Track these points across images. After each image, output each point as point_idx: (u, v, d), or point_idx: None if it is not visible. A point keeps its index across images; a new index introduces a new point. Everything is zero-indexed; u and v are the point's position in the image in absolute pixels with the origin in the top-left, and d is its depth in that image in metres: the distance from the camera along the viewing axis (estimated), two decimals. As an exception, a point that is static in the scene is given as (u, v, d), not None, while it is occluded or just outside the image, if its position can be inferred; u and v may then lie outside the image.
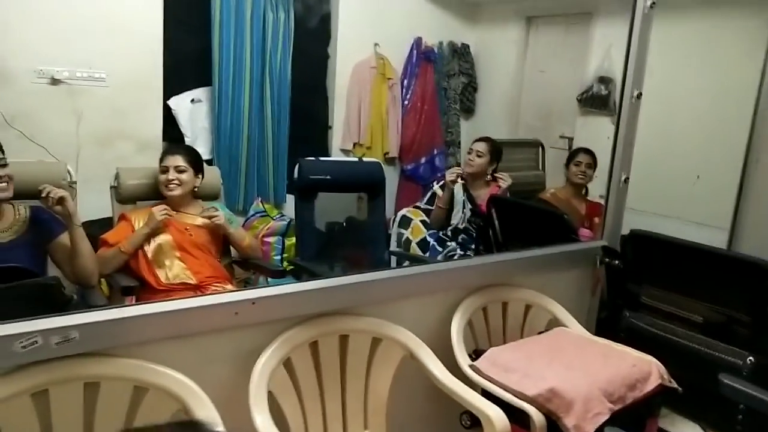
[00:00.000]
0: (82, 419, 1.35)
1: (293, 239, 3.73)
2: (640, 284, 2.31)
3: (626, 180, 2.35)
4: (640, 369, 1.78)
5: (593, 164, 3.33)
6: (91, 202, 2.65)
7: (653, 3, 2.17)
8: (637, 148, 2.36)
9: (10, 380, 1.26)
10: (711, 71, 3.58)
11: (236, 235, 2.63)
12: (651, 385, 1.76)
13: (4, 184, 1.94)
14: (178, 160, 2.51)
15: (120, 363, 1.38)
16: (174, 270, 2.41)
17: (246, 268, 2.81)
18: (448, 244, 3.18)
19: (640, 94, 2.28)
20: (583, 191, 3.40)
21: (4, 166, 1.94)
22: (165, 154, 2.56)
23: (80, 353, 1.34)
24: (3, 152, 1.98)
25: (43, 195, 2.00)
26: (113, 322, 1.38)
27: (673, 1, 2.83)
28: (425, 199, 3.45)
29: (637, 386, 1.73)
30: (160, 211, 2.38)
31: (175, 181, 2.49)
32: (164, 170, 2.51)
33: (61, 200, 1.99)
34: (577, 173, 3.32)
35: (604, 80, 4.14)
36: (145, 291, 2.36)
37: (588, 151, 3.38)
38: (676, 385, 1.80)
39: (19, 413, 1.27)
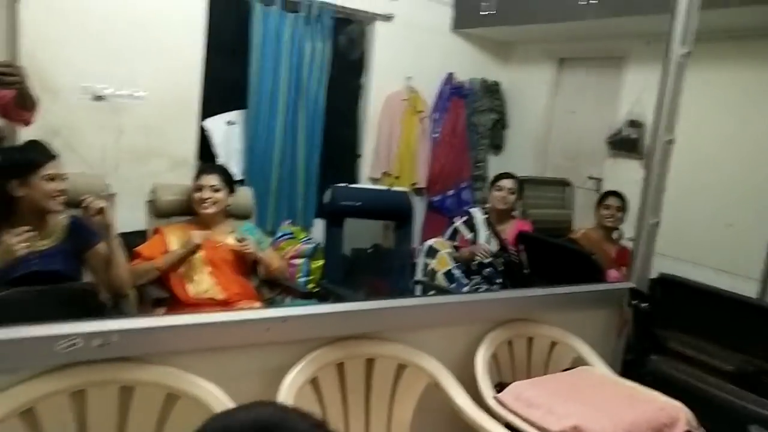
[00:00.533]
0: (116, 422, 1.37)
1: (319, 262, 3.76)
2: (667, 329, 2.28)
3: (656, 224, 2.34)
4: (668, 414, 1.75)
5: (623, 207, 3.33)
6: (125, 215, 2.72)
7: (688, 52, 2.20)
8: (667, 192, 2.36)
9: (50, 378, 1.30)
10: (745, 120, 3.59)
11: (266, 259, 2.64)
12: (678, 431, 1.73)
13: (61, 198, 2.00)
14: (213, 180, 2.56)
15: (155, 370, 1.41)
16: (203, 285, 2.45)
17: (273, 288, 2.84)
18: (473, 277, 3.19)
19: (672, 140, 2.29)
20: (614, 235, 3.39)
21: (65, 180, 2.01)
22: (200, 172, 2.62)
23: (118, 357, 1.38)
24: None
25: (84, 205, 2.07)
26: (152, 330, 1.42)
27: (707, 50, 2.86)
28: (447, 235, 3.46)
29: (663, 431, 1.71)
30: (199, 233, 2.42)
31: (210, 200, 2.55)
32: (199, 188, 2.56)
33: (101, 211, 2.06)
34: (607, 216, 3.33)
35: (634, 124, 4.16)
36: (173, 303, 2.40)
37: (618, 194, 3.38)
38: (703, 433, 1.77)
39: (57, 411, 1.31)
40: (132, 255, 2.41)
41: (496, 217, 3.33)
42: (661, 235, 2.37)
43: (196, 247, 2.41)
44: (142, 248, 2.47)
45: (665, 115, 2.26)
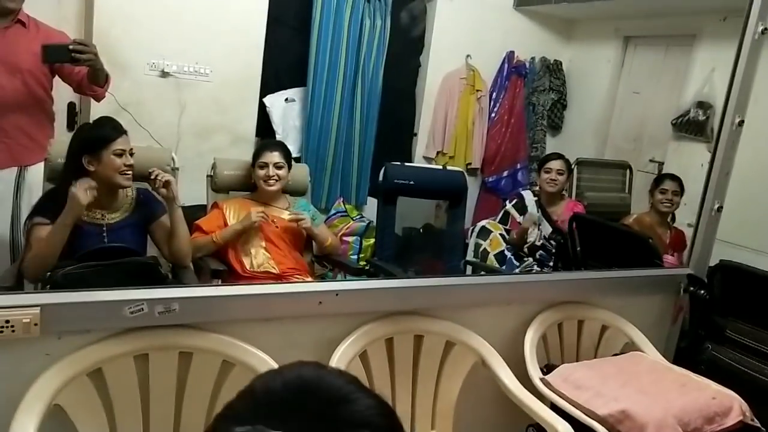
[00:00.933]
0: (175, 385, 1.46)
1: (371, 240, 3.81)
2: (725, 317, 2.23)
3: (719, 209, 2.27)
4: (721, 402, 1.72)
5: (680, 192, 3.22)
6: (187, 189, 2.82)
7: (765, 29, 2.10)
8: (732, 177, 2.28)
9: (117, 341, 1.39)
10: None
11: (320, 235, 2.70)
12: (731, 420, 1.70)
13: (129, 173, 2.10)
14: (276, 157, 2.61)
15: (213, 337, 1.48)
16: (258, 259, 2.53)
17: (325, 264, 2.91)
18: (525, 259, 3.17)
19: (742, 121, 2.20)
20: (669, 218, 3.30)
21: (133, 155, 2.11)
22: (263, 149, 2.66)
23: (178, 324, 1.46)
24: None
25: (152, 177, 2.16)
26: (210, 299, 1.49)
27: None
28: (498, 217, 3.44)
29: (715, 419, 1.68)
30: (257, 213, 2.48)
31: (275, 177, 2.60)
32: (263, 166, 2.61)
33: (167, 183, 2.15)
34: (663, 200, 3.22)
35: (702, 105, 3.99)
36: (230, 276, 2.49)
37: (675, 178, 3.27)
38: (759, 425, 1.73)
39: (122, 372, 1.40)
40: (192, 228, 2.51)
41: (547, 199, 3.29)
42: (723, 220, 2.30)
43: (254, 224, 2.48)
44: (202, 222, 2.57)
45: (737, 95, 2.18)
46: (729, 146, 2.23)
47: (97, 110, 2.92)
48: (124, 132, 2.10)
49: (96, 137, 2.05)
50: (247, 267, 2.51)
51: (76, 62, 2.21)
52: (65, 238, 1.95)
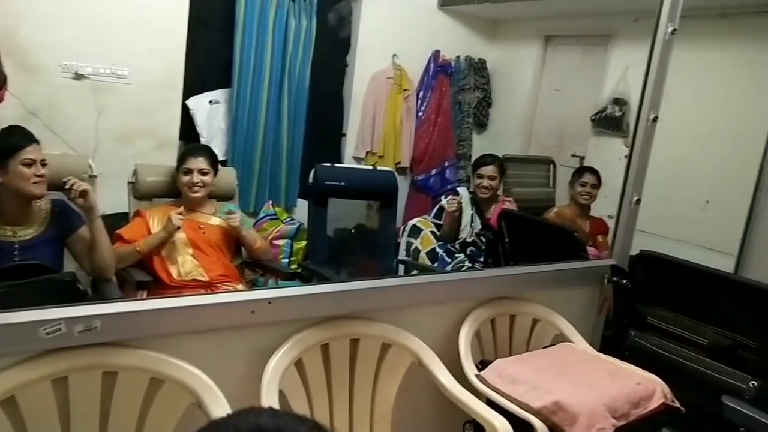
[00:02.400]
0: (98, 407, 1.38)
1: (302, 243, 3.77)
2: (647, 305, 2.33)
3: (638, 201, 2.37)
4: (645, 387, 1.80)
5: (598, 184, 3.36)
6: (107, 197, 2.69)
7: (674, 30, 2.21)
8: (648, 170, 2.39)
9: (33, 365, 1.30)
10: (726, 100, 3.62)
11: (249, 237, 2.65)
12: (654, 403, 1.78)
13: (42, 183, 1.97)
14: (201, 163, 2.54)
15: (138, 354, 1.41)
16: (186, 266, 2.45)
17: (256, 269, 2.85)
18: (457, 255, 3.22)
19: (656, 117, 2.31)
20: (587, 210, 3.43)
21: (45, 165, 1.98)
22: (187, 155, 2.58)
23: (101, 343, 1.38)
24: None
25: (67, 187, 2.05)
26: (134, 314, 1.42)
27: (692, 30, 2.88)
28: (433, 213, 3.48)
29: (640, 404, 1.75)
30: (177, 215, 2.40)
31: (199, 184, 2.53)
32: (187, 172, 2.54)
33: (83, 193, 2.04)
34: (582, 193, 3.35)
35: (618, 102, 4.18)
36: (157, 286, 2.40)
37: (593, 171, 3.41)
38: (679, 405, 1.82)
39: (39, 398, 1.30)
40: (113, 238, 2.40)
41: (481, 199, 3.34)
42: (641, 211, 2.40)
43: (177, 229, 2.41)
44: (123, 231, 2.46)
45: (651, 92, 2.28)
46: (645, 141, 2.33)
47: (2, 117, 2.74)
48: (35, 141, 1.97)
49: (2, 147, 1.92)
50: (175, 276, 2.43)
51: None
52: None
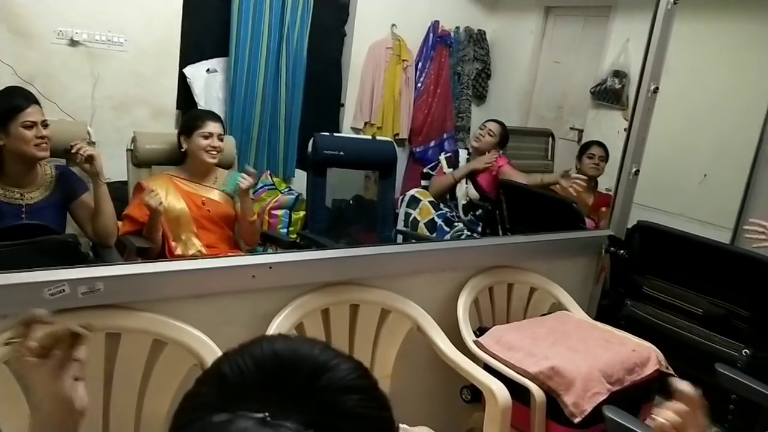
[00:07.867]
0: (102, 369, 1.40)
1: (300, 213, 3.77)
2: (643, 275, 2.35)
3: (636, 172, 2.38)
4: (640, 354, 1.83)
5: (605, 157, 3.37)
6: (105, 165, 2.66)
7: (676, 1, 2.19)
8: (648, 143, 2.39)
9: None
10: (726, 73, 3.59)
11: (249, 207, 2.59)
12: (649, 370, 1.81)
13: (45, 144, 1.95)
14: (219, 128, 2.47)
15: (141, 316, 1.43)
16: (189, 248, 2.42)
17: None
18: (456, 224, 3.23)
19: (657, 88, 2.30)
20: (593, 183, 3.44)
21: (47, 126, 1.97)
22: (204, 119, 2.48)
23: (104, 305, 1.39)
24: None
25: (74, 151, 2.03)
26: (137, 277, 1.43)
27: (694, 1, 2.86)
28: (430, 165, 3.59)
29: (635, 370, 1.78)
30: (151, 195, 2.21)
31: (219, 148, 2.46)
32: (207, 136, 2.44)
33: (90, 158, 2.03)
34: (590, 165, 3.36)
35: (618, 74, 4.16)
36: (159, 255, 2.39)
37: (601, 144, 3.42)
38: (672, 372, 1.85)
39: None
40: (124, 220, 2.36)
41: (475, 158, 3.40)
42: (638, 184, 2.42)
43: (160, 208, 2.24)
44: (132, 211, 2.38)
45: (652, 62, 2.27)
46: (645, 112, 2.33)
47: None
48: (35, 101, 1.95)
49: (2, 109, 1.90)
50: (178, 252, 2.41)
51: None
52: None
